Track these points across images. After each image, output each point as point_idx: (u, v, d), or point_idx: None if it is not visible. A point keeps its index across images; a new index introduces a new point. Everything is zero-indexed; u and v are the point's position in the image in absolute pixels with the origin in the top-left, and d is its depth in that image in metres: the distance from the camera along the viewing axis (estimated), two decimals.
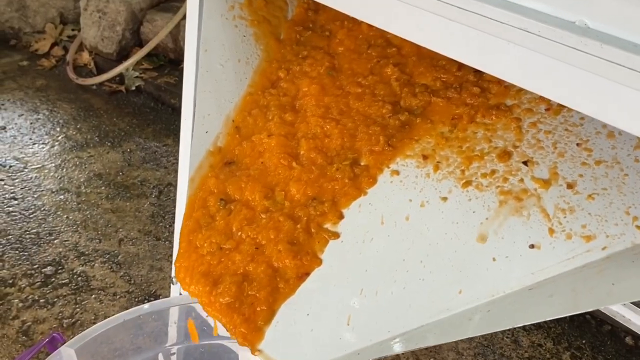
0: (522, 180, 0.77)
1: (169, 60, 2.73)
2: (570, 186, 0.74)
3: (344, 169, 0.82)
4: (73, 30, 2.95)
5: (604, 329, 1.55)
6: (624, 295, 0.62)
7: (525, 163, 0.78)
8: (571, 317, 1.58)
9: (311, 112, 0.87)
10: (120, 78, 2.64)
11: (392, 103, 0.87)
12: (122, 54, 2.74)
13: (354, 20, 0.97)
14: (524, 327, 1.55)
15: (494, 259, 0.72)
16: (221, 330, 0.99)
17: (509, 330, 1.55)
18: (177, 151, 2.20)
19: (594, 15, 0.52)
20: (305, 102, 0.89)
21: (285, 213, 0.82)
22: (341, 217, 0.82)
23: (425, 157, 0.84)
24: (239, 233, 0.83)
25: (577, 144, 0.78)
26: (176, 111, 2.51)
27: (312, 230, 0.80)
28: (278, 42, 1.03)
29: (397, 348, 0.68)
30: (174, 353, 1.03)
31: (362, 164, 0.84)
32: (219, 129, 0.93)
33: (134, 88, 2.63)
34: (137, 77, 2.63)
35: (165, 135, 2.37)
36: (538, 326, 1.55)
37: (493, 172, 0.79)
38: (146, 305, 0.97)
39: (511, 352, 1.49)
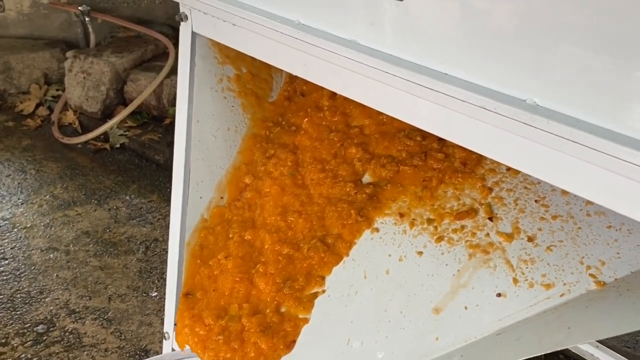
0: (488, 234, 0.86)
1: (152, 118, 2.82)
2: (530, 239, 0.83)
3: (315, 246, 0.91)
4: (57, 90, 3.04)
5: None
6: (579, 338, 0.71)
7: (490, 219, 0.88)
8: (545, 356, 1.65)
9: (268, 212, 0.95)
10: (105, 136, 2.72)
11: (354, 181, 0.96)
12: (107, 113, 2.82)
13: (317, 108, 1.06)
14: None
15: (465, 308, 0.80)
16: None
17: None
18: (163, 207, 2.27)
19: (543, 95, 0.62)
20: (265, 202, 0.97)
21: (246, 314, 0.90)
22: (322, 283, 0.90)
23: (401, 215, 0.93)
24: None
25: (536, 201, 0.87)
26: (160, 167, 2.58)
27: (283, 310, 0.88)
28: (263, 109, 1.13)
29: None
30: None
31: (329, 240, 0.92)
32: (212, 194, 1.01)
33: (118, 145, 2.70)
34: (121, 134, 2.70)
35: (150, 191, 2.44)
36: None
37: (462, 227, 0.88)
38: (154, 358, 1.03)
39: None
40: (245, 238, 0.96)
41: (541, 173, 0.65)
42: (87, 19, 3.00)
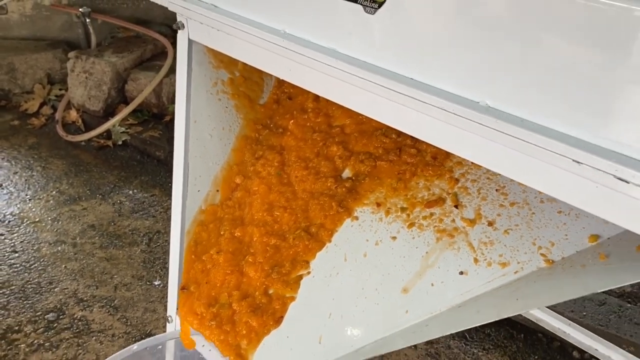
0: (453, 220, 0.97)
1: (152, 115, 2.93)
2: (490, 224, 0.94)
3: (300, 236, 1.01)
4: (60, 90, 3.14)
5: (554, 345, 1.74)
6: (528, 306, 0.83)
7: (456, 206, 0.98)
8: (525, 336, 1.77)
9: (256, 209, 1.06)
10: (108, 134, 2.83)
11: (334, 177, 1.06)
12: (108, 111, 2.92)
13: (302, 110, 1.16)
14: (483, 347, 1.73)
15: (432, 284, 0.91)
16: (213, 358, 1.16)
17: (470, 350, 1.73)
18: (164, 200, 2.38)
19: (493, 98, 0.72)
20: (253, 200, 1.07)
21: (236, 299, 1.00)
22: (307, 266, 1.01)
23: (378, 205, 1.04)
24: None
25: (496, 190, 0.98)
26: (161, 163, 2.69)
27: (271, 291, 0.99)
28: (255, 110, 1.23)
29: (357, 357, 0.87)
30: None
31: (313, 229, 1.02)
32: (209, 188, 1.12)
33: (120, 142, 2.81)
34: (123, 132, 2.81)
35: (152, 186, 2.55)
36: (496, 345, 1.74)
37: (431, 214, 0.99)
38: (151, 339, 1.14)
39: None
40: (235, 235, 1.06)
41: (493, 165, 0.74)
42: (87, 20, 3.11)
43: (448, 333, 0.87)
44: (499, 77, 0.69)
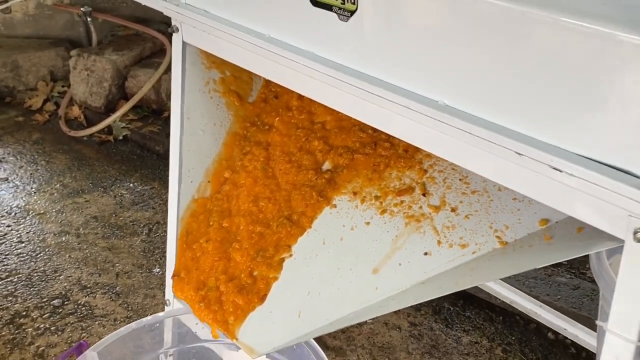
0: (421, 207, 1.07)
1: (152, 111, 3.03)
2: (453, 210, 1.04)
3: (283, 223, 1.11)
4: (63, 86, 3.25)
5: (530, 327, 1.84)
6: (482, 279, 0.93)
7: (424, 195, 1.09)
8: (503, 318, 1.87)
9: (242, 200, 1.15)
10: (109, 129, 2.93)
11: (315, 169, 1.16)
12: (109, 107, 3.03)
13: (287, 108, 1.26)
14: (463, 329, 1.84)
15: (400, 264, 1.01)
16: (206, 336, 1.27)
17: (451, 332, 1.84)
18: (163, 193, 2.49)
19: (450, 97, 0.82)
20: (240, 192, 1.17)
21: (223, 282, 1.10)
22: (289, 250, 1.11)
23: (355, 193, 1.14)
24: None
25: (460, 179, 1.08)
26: (160, 157, 2.80)
27: (255, 273, 1.08)
28: (245, 108, 1.33)
29: (331, 328, 0.98)
30: (172, 355, 1.31)
31: (295, 217, 1.12)
32: (201, 179, 1.22)
33: (121, 137, 2.92)
34: (123, 127, 2.92)
35: (151, 179, 2.66)
36: (476, 327, 1.84)
37: (402, 202, 1.09)
38: (149, 317, 1.25)
39: (453, 350, 1.78)
40: (223, 225, 1.16)
41: (450, 157, 0.84)
42: (89, 18, 3.21)
43: (411, 304, 0.98)
44: (454, 80, 0.79)
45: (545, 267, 1.95)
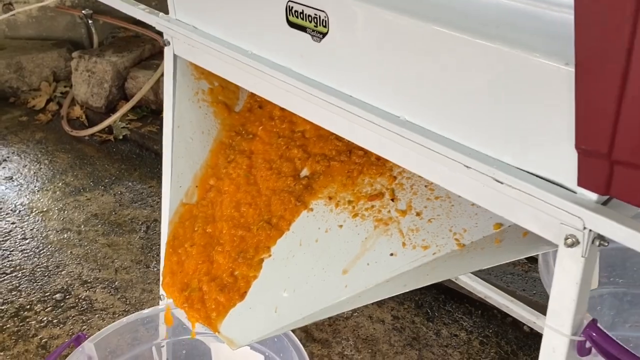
0: (389, 211, 1.17)
1: (151, 111, 3.13)
2: (418, 214, 1.14)
3: (263, 226, 1.21)
4: (65, 87, 3.35)
5: (507, 320, 1.94)
6: (440, 277, 1.03)
7: (392, 200, 1.18)
8: (482, 312, 1.97)
9: (225, 206, 1.24)
10: (109, 129, 3.03)
11: (293, 176, 1.25)
12: (110, 107, 3.13)
13: (270, 117, 1.36)
14: (443, 322, 1.94)
15: (368, 264, 1.11)
16: (198, 329, 1.37)
17: (432, 325, 1.94)
18: (161, 192, 2.58)
19: (409, 113, 0.91)
20: (223, 199, 1.26)
21: (206, 282, 1.19)
22: (268, 251, 1.21)
23: (330, 198, 1.24)
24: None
25: (425, 186, 1.18)
26: (159, 156, 2.90)
27: (236, 273, 1.18)
28: (231, 117, 1.43)
29: (305, 322, 1.08)
30: (163, 346, 1.41)
31: (274, 220, 1.21)
32: (189, 184, 1.32)
33: (121, 137, 3.02)
34: (123, 127, 3.02)
35: (150, 177, 2.76)
36: (455, 320, 1.94)
37: (372, 206, 1.19)
38: (145, 311, 1.35)
39: (433, 342, 1.88)
40: (207, 230, 1.26)
41: (411, 167, 0.92)
42: (90, 21, 3.30)
43: (378, 300, 1.08)
44: (411, 97, 0.88)
45: (523, 263, 2.04)
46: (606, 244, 0.73)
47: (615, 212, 0.70)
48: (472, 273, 1.79)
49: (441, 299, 2.03)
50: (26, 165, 2.83)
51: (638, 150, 0.62)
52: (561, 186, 0.75)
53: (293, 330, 1.83)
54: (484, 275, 1.98)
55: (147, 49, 3.23)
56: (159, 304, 1.62)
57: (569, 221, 0.73)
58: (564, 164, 0.72)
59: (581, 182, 0.71)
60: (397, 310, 1.99)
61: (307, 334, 1.91)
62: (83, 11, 3.28)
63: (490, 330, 1.91)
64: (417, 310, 1.99)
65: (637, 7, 0.53)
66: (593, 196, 0.71)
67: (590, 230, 0.71)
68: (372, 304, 1.99)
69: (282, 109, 1.37)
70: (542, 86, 0.71)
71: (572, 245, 0.74)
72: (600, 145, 0.64)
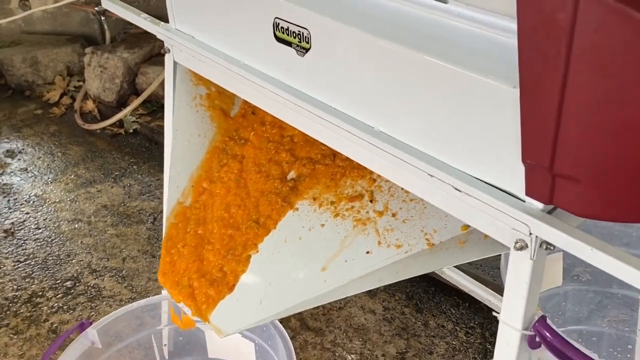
0: (368, 212, 1.26)
1: (160, 106, 3.23)
2: (394, 215, 1.23)
3: (251, 226, 1.31)
4: (79, 81, 3.46)
5: (492, 313, 2.03)
6: (409, 274, 1.12)
7: (371, 201, 1.28)
8: (469, 304, 2.06)
9: (216, 208, 1.34)
10: (120, 123, 3.15)
11: (280, 178, 1.35)
12: (121, 102, 3.24)
13: (261, 123, 1.45)
14: (432, 314, 2.04)
15: (345, 261, 1.21)
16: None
17: (420, 316, 2.03)
18: None
19: (383, 125, 1.00)
20: (214, 201, 1.36)
21: (196, 278, 1.29)
22: (256, 248, 1.31)
23: (314, 199, 1.33)
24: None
25: (402, 188, 1.27)
26: None
27: (225, 269, 1.28)
28: (227, 122, 1.53)
29: (287, 313, 1.18)
30: (160, 333, 1.52)
31: (262, 220, 1.31)
32: (185, 184, 1.42)
33: (131, 131, 3.13)
34: (134, 121, 3.13)
35: (158, 170, 2.87)
36: (442, 312, 2.04)
37: (352, 207, 1.28)
38: (145, 300, 1.46)
39: (420, 332, 1.97)
40: (198, 232, 1.36)
41: (384, 173, 1.01)
42: (102, 17, 3.41)
43: (355, 293, 1.18)
44: (383, 110, 0.97)
45: None
46: (552, 248, 0.82)
47: (558, 220, 0.78)
48: (457, 268, 1.88)
49: (431, 292, 2.12)
50: (40, 157, 2.95)
51: (575, 164, 0.70)
52: (512, 195, 0.84)
53: (289, 319, 1.96)
54: (472, 269, 2.07)
55: (157, 45, 3.33)
56: (162, 293, 1.73)
57: (518, 227, 0.81)
58: (514, 175, 0.80)
59: (528, 192, 0.78)
60: (388, 302, 2.08)
61: (302, 322, 2.02)
62: (96, 7, 3.39)
63: (476, 322, 2.00)
64: (407, 302, 2.08)
65: (570, 38, 0.61)
66: (539, 205, 0.78)
67: (536, 236, 0.79)
68: (365, 295, 2.09)
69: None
70: (494, 106, 0.79)
71: (521, 248, 0.83)
72: (543, 160, 0.72)
